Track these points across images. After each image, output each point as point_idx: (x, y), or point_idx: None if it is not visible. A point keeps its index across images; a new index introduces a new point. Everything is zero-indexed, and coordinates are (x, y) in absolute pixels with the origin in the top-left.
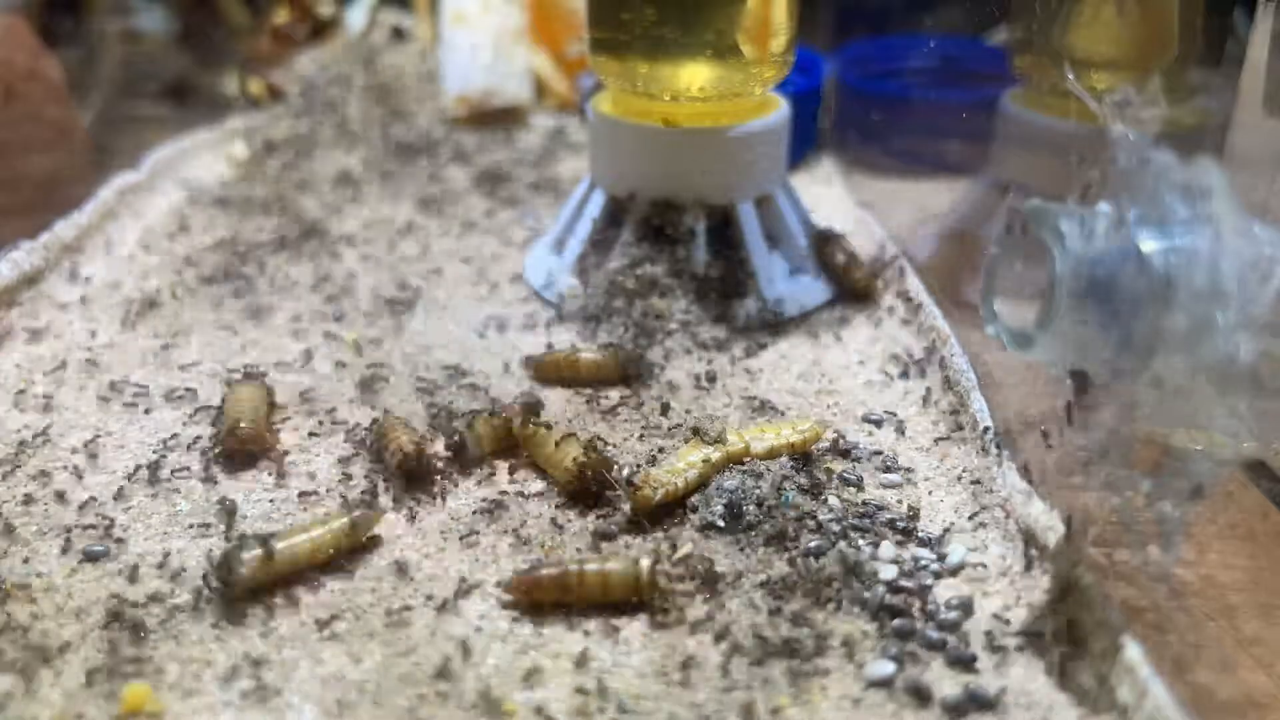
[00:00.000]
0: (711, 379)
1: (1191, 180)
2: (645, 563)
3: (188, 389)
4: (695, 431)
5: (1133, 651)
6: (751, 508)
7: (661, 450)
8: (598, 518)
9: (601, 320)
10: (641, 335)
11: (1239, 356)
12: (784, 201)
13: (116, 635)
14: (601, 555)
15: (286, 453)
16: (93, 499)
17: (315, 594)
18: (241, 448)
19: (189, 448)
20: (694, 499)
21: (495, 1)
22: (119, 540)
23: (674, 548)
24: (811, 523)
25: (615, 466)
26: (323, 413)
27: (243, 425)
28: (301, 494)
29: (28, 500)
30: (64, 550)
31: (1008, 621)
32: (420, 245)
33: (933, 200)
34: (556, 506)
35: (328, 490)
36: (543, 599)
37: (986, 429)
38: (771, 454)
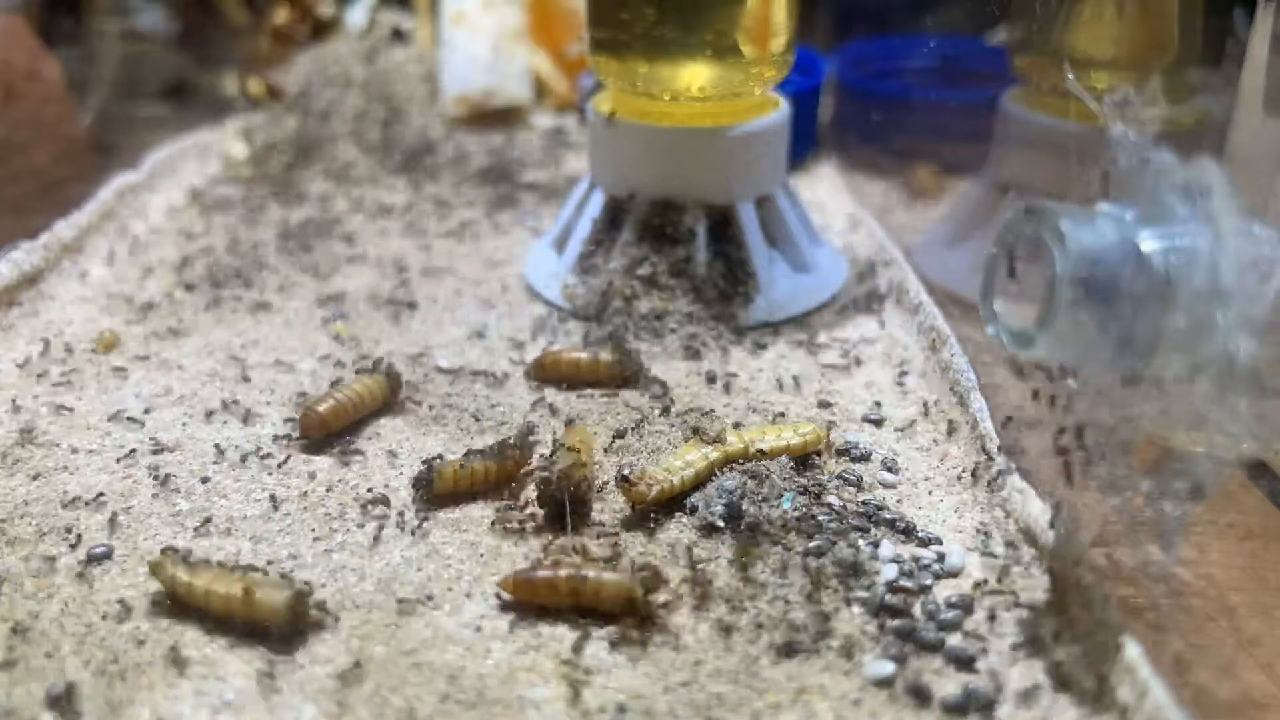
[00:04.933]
0: (711, 379)
1: (1191, 180)
2: (642, 576)
3: (187, 389)
4: (695, 431)
5: (1133, 651)
6: (751, 508)
7: (659, 450)
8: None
9: (601, 320)
10: (641, 335)
11: (1239, 356)
12: (784, 201)
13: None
14: (601, 564)
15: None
16: (98, 497)
17: (316, 593)
18: (307, 432)
19: (187, 448)
20: (694, 499)
21: (495, 1)
22: (119, 540)
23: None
24: (811, 523)
25: (588, 483)
26: None
27: (314, 409)
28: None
29: (26, 501)
30: (72, 547)
31: (1007, 621)
32: (420, 245)
33: (933, 200)
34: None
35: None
36: (536, 600)
37: (986, 429)
38: (771, 456)
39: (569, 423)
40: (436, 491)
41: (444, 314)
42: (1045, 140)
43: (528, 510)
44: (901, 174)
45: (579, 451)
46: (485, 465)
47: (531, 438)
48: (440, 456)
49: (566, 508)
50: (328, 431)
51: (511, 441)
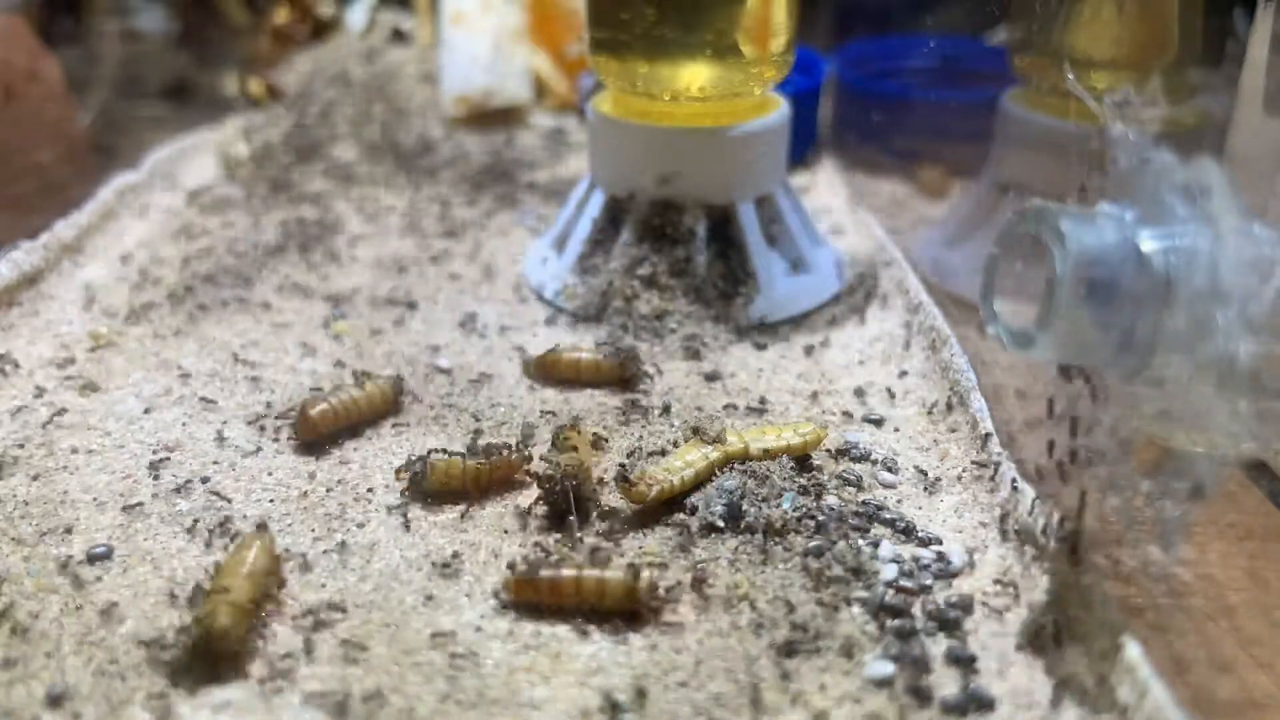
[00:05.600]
0: (711, 379)
1: (1191, 180)
2: (646, 574)
3: (187, 389)
4: (695, 431)
5: (1133, 651)
6: (752, 508)
7: (661, 451)
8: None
9: (601, 320)
10: (641, 335)
11: (1239, 356)
12: (784, 201)
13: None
14: (601, 561)
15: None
16: (98, 497)
17: (316, 593)
18: (303, 433)
19: (187, 448)
20: (694, 499)
21: (495, 1)
22: (119, 541)
23: (678, 552)
24: (811, 523)
25: (583, 481)
26: None
27: (309, 412)
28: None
29: (26, 501)
30: (72, 547)
31: (1007, 621)
32: (420, 245)
33: (933, 200)
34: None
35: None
36: (539, 601)
37: (986, 429)
38: (771, 456)
39: (570, 423)
40: (427, 487)
41: (444, 314)
42: (1045, 140)
43: (529, 510)
44: (903, 174)
45: (580, 451)
46: (477, 463)
47: (531, 438)
48: (437, 451)
49: (570, 507)
50: (322, 434)
51: (509, 441)
